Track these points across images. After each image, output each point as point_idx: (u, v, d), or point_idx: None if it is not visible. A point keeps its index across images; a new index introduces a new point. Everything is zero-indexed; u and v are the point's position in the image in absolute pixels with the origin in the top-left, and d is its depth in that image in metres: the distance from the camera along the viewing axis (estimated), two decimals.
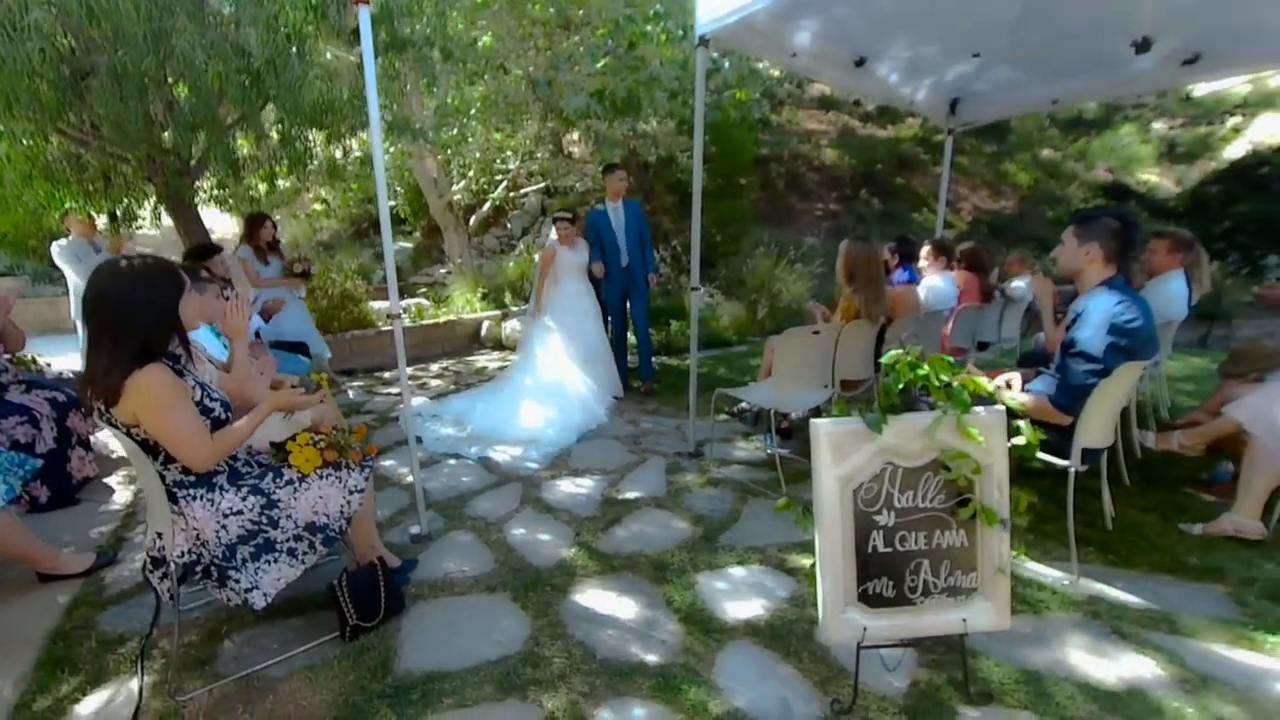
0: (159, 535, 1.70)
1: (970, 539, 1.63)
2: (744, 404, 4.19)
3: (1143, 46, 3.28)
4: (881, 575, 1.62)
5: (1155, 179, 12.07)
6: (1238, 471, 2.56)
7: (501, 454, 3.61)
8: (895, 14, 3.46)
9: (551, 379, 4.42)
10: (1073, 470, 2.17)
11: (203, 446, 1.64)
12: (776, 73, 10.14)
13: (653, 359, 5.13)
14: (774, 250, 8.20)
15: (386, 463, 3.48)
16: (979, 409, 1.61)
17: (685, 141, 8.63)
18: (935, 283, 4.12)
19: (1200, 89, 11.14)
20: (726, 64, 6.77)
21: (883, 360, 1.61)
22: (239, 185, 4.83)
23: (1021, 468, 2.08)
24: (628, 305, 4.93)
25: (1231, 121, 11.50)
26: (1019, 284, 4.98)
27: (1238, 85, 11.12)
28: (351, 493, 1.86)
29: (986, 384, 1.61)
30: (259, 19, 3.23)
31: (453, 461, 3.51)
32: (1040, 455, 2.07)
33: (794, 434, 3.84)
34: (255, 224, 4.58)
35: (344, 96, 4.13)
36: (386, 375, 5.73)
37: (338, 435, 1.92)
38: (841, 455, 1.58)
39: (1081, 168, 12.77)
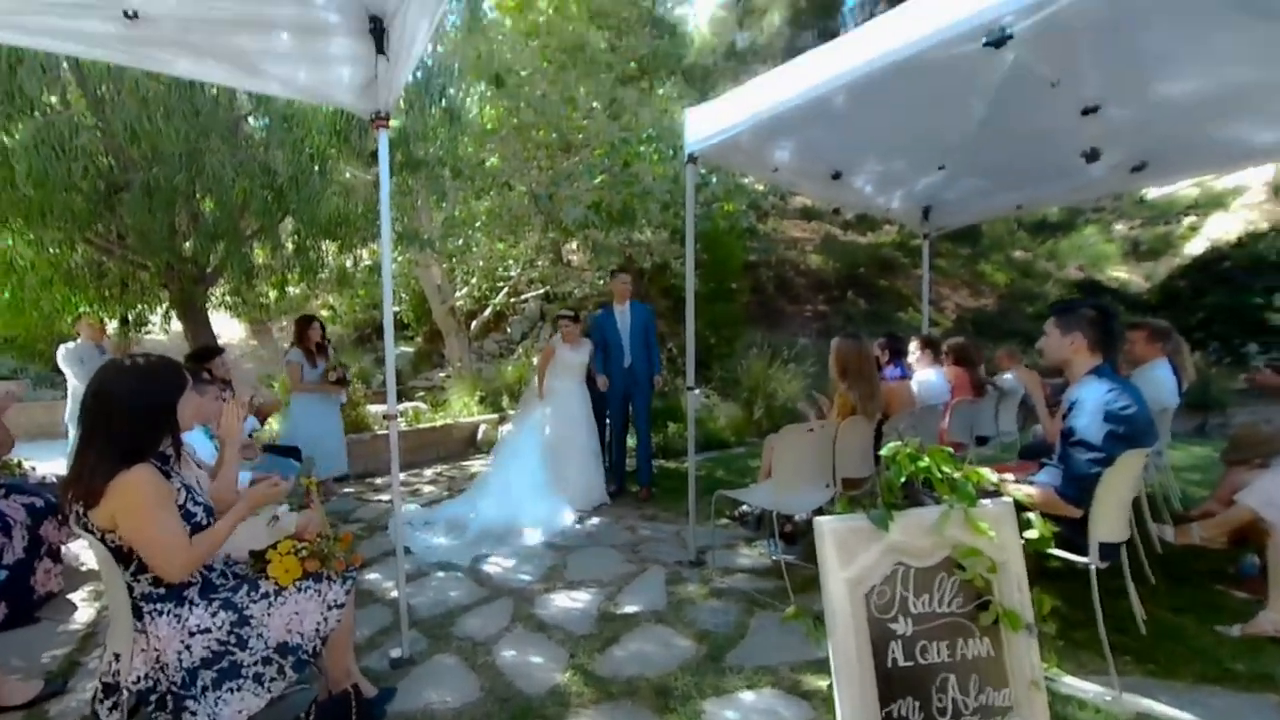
0: (116, 657, 1.56)
1: (997, 648, 1.51)
2: (745, 507, 4.07)
3: (1091, 156, 3.58)
4: (905, 695, 1.48)
5: (1125, 275, 12.69)
6: (1265, 563, 2.44)
7: (494, 566, 3.43)
8: (864, 134, 3.81)
9: (526, 475, 4.41)
10: (1093, 567, 2.06)
11: (180, 552, 1.56)
12: (761, 186, 10.99)
13: (651, 462, 5.04)
14: (767, 350, 8.37)
15: (370, 576, 3.28)
16: (986, 502, 1.56)
17: (678, 249, 9.12)
18: (927, 377, 4.17)
19: (1152, 192, 12.05)
20: (714, 179, 7.34)
21: (882, 453, 1.59)
22: (251, 292, 5.02)
23: (1041, 569, 1.98)
24: (630, 407, 4.92)
25: (1187, 220, 12.34)
26: (1009, 377, 5.04)
27: (1186, 189, 12.04)
28: (330, 608, 1.74)
29: (990, 475, 1.57)
30: (287, 141, 3.54)
31: (441, 574, 3.32)
32: (1058, 553, 1.98)
33: (799, 539, 3.69)
34: (304, 325, 4.58)
35: (358, 210, 4.43)
36: (378, 481, 5.58)
37: (321, 543, 1.82)
38: (848, 555, 1.51)
39: (1054, 266, 13.46)
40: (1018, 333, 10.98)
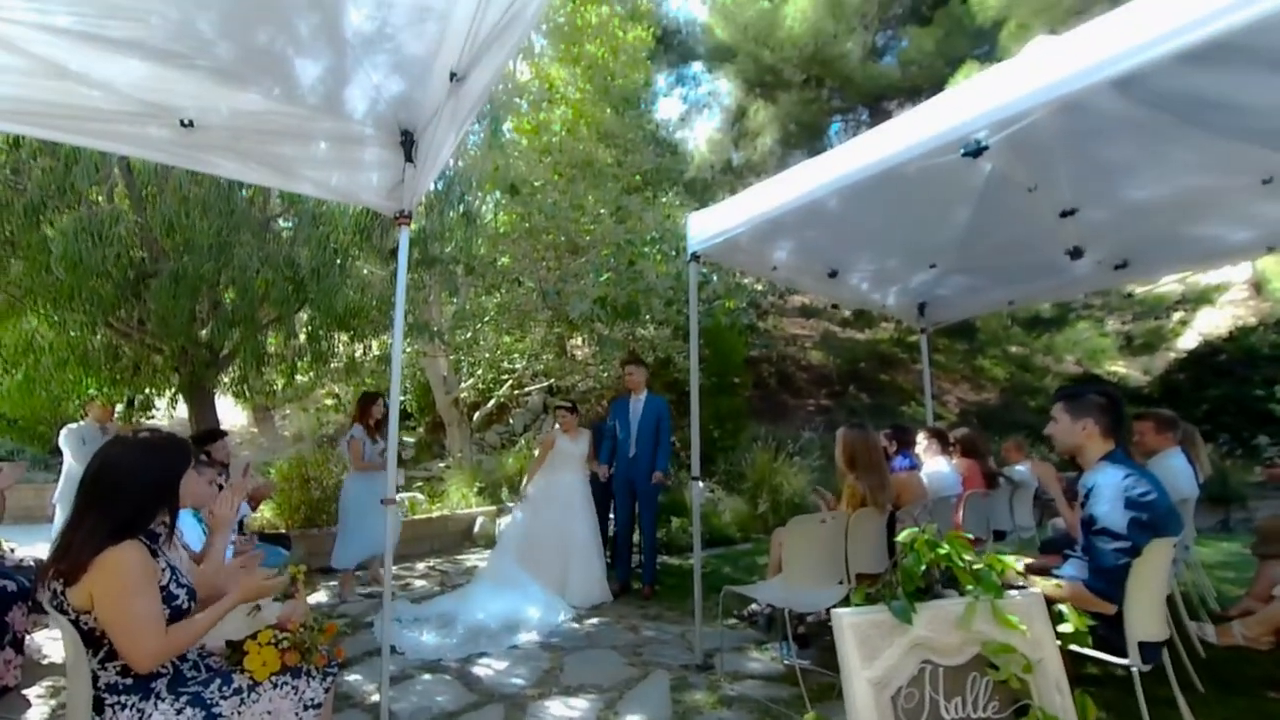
0: None
1: None
2: (755, 606, 3.85)
3: (1075, 254, 3.75)
4: None
5: (1123, 369, 12.79)
6: None
7: (485, 667, 3.18)
8: (857, 235, 4.03)
9: (523, 570, 4.27)
10: (1136, 670, 1.90)
11: (155, 638, 1.47)
12: (760, 286, 11.43)
13: (656, 559, 4.82)
14: (772, 444, 8.28)
15: (351, 677, 3.03)
16: (1013, 593, 1.48)
17: (681, 345, 9.32)
18: (938, 468, 4.09)
19: (1139, 289, 12.44)
20: (715, 277, 7.66)
21: (898, 539, 1.53)
22: (260, 379, 5.09)
23: (1078, 676, 1.83)
24: (635, 500, 4.79)
25: (1177, 315, 12.65)
26: (1021, 468, 4.97)
27: (1171, 285, 12.45)
28: (306, 708, 1.60)
29: (1014, 563, 1.50)
30: (313, 238, 3.75)
31: (428, 677, 3.07)
32: (1097, 654, 1.83)
33: (812, 642, 3.45)
34: (368, 402, 4.53)
35: (373, 303, 4.61)
36: (365, 575, 5.31)
37: (303, 634, 1.71)
38: (870, 652, 1.40)
39: (1051, 361, 13.63)
40: (1022, 426, 10.88)
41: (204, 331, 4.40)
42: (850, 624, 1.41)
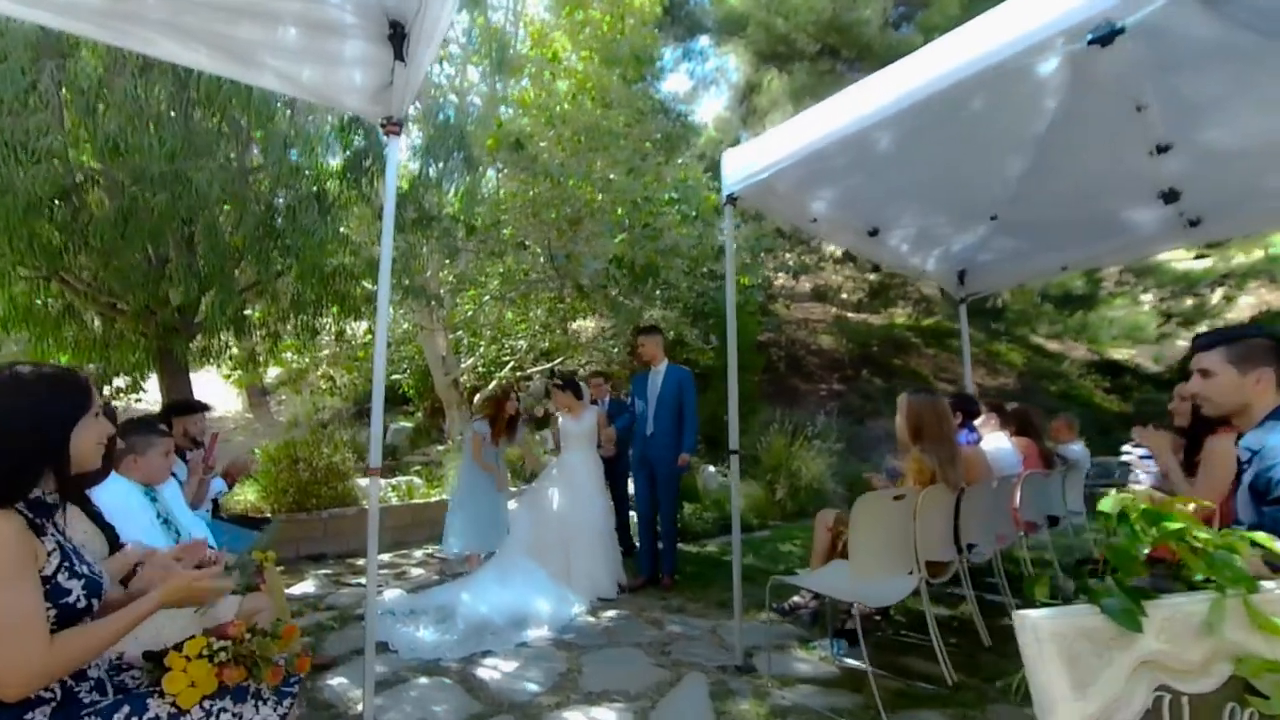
0: None
1: None
2: (797, 599, 3.42)
3: (1170, 197, 3.32)
4: None
5: (1129, 354, 12.34)
6: None
7: (490, 669, 2.74)
8: (906, 182, 3.58)
9: (531, 558, 3.87)
10: None
11: (32, 651, 1.01)
12: (771, 267, 10.94)
13: (676, 547, 4.37)
14: (787, 428, 7.88)
15: (334, 681, 2.58)
16: (1270, 585, 1.02)
17: (691, 325, 8.89)
18: (1000, 444, 3.65)
19: (1179, 265, 11.80)
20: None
21: (1102, 507, 1.07)
22: (241, 351, 4.61)
23: None
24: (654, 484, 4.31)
25: (1220, 291, 12.06)
26: (1075, 448, 4.56)
27: (1211, 261, 11.76)
28: None
29: (1275, 542, 1.04)
30: (283, 164, 3.24)
31: (424, 680, 2.62)
32: None
33: (862, 639, 3.02)
34: (502, 399, 4.71)
35: (363, 269, 4.13)
36: (359, 562, 4.88)
37: (251, 641, 1.23)
38: (1083, 676, 0.94)
39: (1069, 346, 13.23)
40: (1045, 409, 10.50)
41: (172, 293, 3.87)
42: (1053, 633, 0.95)
